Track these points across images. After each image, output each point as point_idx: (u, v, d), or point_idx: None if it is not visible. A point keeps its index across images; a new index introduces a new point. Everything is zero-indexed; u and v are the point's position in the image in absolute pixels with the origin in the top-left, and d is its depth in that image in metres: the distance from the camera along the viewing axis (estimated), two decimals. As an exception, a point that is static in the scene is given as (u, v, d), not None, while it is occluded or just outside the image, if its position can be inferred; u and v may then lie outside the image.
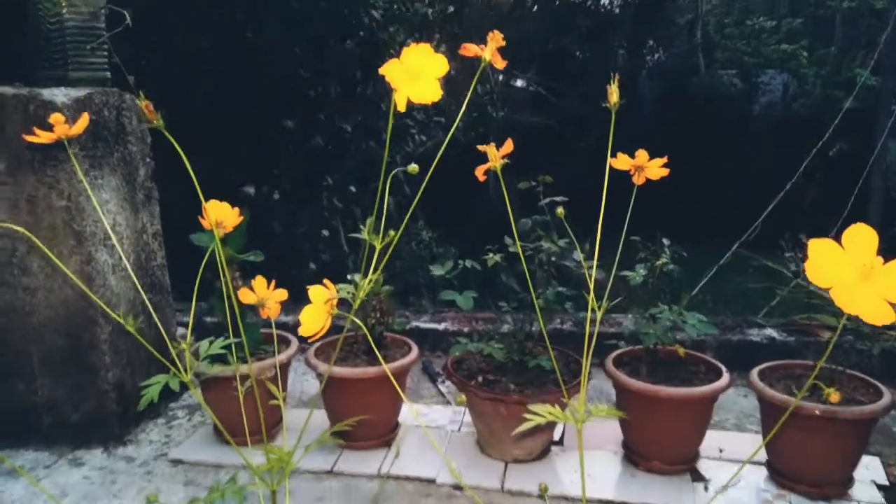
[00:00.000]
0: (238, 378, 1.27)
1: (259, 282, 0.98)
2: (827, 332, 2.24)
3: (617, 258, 1.16)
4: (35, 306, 1.80)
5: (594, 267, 1.19)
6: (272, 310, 0.98)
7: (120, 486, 1.69)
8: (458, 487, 1.66)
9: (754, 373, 1.69)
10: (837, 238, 0.55)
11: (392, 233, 0.82)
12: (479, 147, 0.76)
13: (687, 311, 1.71)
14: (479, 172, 0.78)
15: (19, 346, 1.81)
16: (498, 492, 1.64)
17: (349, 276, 1.85)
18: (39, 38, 1.77)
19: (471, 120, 5.95)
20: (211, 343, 0.89)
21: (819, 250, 0.57)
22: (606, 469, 1.72)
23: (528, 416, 0.73)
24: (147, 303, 1.82)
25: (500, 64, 0.69)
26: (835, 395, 0.52)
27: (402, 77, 0.57)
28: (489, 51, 0.69)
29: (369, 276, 0.79)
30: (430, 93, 0.57)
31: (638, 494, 1.61)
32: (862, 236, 0.56)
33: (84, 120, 0.81)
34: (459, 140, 5.78)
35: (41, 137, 0.80)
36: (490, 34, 0.68)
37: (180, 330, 2.26)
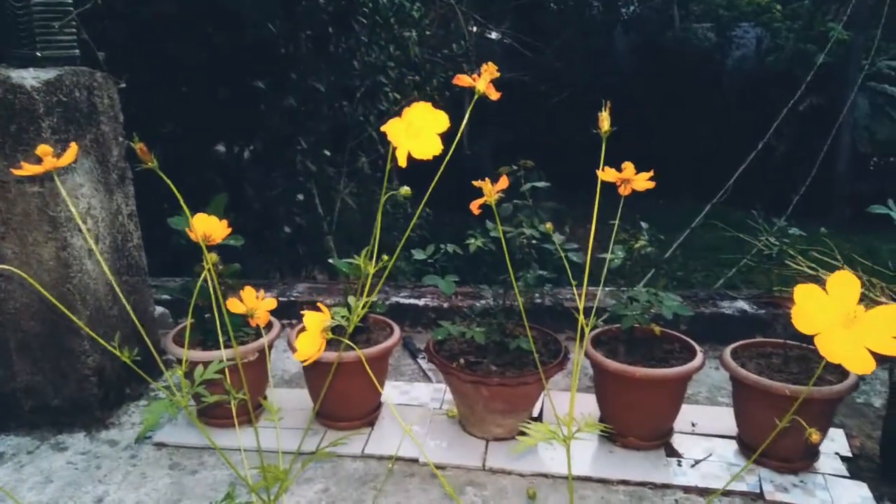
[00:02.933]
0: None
1: (248, 292, 0.98)
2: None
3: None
4: (10, 293, 1.77)
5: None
6: (261, 320, 0.98)
7: (105, 471, 1.70)
8: (440, 467, 1.70)
9: (727, 352, 1.74)
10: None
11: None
12: (475, 183, 0.76)
13: (662, 293, 1.74)
14: (474, 207, 0.78)
15: (-4, 331, 1.79)
16: (480, 470, 1.69)
17: (330, 260, 1.84)
18: (5, 17, 1.70)
19: (447, 78, 5.87)
20: (206, 368, 0.89)
21: (805, 296, 0.58)
22: (584, 445, 1.77)
23: (520, 438, 0.75)
24: (122, 286, 1.81)
25: (494, 95, 0.69)
26: (815, 436, 0.55)
27: (403, 134, 0.56)
28: (483, 82, 0.68)
29: (363, 300, 0.79)
30: (431, 148, 0.57)
31: (615, 471, 1.67)
32: (846, 283, 0.58)
33: (73, 150, 0.79)
34: (435, 100, 5.71)
35: (27, 171, 0.78)
36: (485, 66, 0.68)
37: (158, 309, 2.25)
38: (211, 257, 0.92)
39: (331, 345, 1.82)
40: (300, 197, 4.62)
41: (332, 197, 5.35)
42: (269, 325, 1.92)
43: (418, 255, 1.68)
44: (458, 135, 0.74)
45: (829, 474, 1.65)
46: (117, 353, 0.81)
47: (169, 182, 0.78)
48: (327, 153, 4.68)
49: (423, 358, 2.25)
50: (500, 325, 1.76)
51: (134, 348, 1.87)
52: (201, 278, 0.92)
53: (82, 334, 1.80)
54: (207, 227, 0.90)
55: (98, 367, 1.85)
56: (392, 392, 2.03)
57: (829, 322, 0.57)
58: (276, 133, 4.57)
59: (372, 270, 0.80)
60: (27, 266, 1.74)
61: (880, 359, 1.94)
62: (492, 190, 0.76)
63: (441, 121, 0.58)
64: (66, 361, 1.82)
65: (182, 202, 0.85)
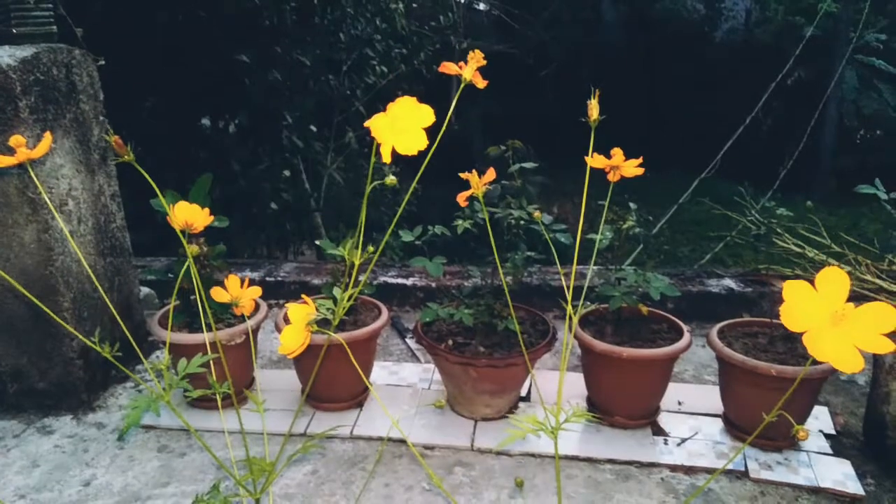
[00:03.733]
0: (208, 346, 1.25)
1: (232, 280, 0.97)
2: (781, 282, 2.32)
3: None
4: (-8, 276, 1.75)
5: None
6: (246, 308, 0.97)
7: (92, 455, 1.70)
8: (429, 447, 1.71)
9: (714, 332, 1.75)
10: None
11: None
12: (462, 175, 0.75)
13: (649, 273, 1.74)
14: (461, 199, 0.77)
15: (-22, 316, 1.77)
16: (468, 450, 1.70)
17: (317, 242, 1.83)
18: (-24, -7, 1.66)
19: (434, 52, 5.80)
20: (189, 362, 0.88)
21: (794, 293, 0.58)
22: (572, 425, 1.78)
23: (510, 430, 0.75)
24: (106, 268, 1.79)
25: (481, 84, 0.67)
26: (803, 433, 0.55)
27: (387, 130, 0.55)
28: (469, 70, 0.66)
29: (349, 291, 0.78)
30: (417, 143, 0.56)
31: (602, 450, 1.68)
32: (835, 280, 0.57)
33: (47, 140, 0.77)
34: (423, 74, 5.64)
35: (2, 163, 0.76)
36: (471, 53, 0.66)
37: (144, 290, 2.23)
38: (192, 249, 0.90)
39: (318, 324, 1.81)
40: (286, 173, 4.58)
41: (320, 172, 5.30)
42: (255, 307, 1.91)
43: (406, 236, 1.67)
44: (449, 113, 0.72)
45: (813, 452, 1.67)
46: (97, 347, 0.80)
47: (146, 175, 0.77)
48: (313, 129, 4.63)
49: (412, 338, 2.25)
50: (489, 307, 1.75)
51: (118, 331, 1.86)
52: (184, 266, 0.90)
53: (66, 317, 1.78)
54: (189, 216, 0.88)
55: (83, 349, 1.83)
56: (381, 373, 2.03)
57: (817, 320, 0.56)
58: (262, 108, 4.51)
59: (358, 262, 0.79)
60: (8, 249, 1.71)
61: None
62: (479, 183, 0.75)
63: (426, 115, 0.56)
64: (50, 344, 1.80)
65: (158, 192, 0.83)
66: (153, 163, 4.10)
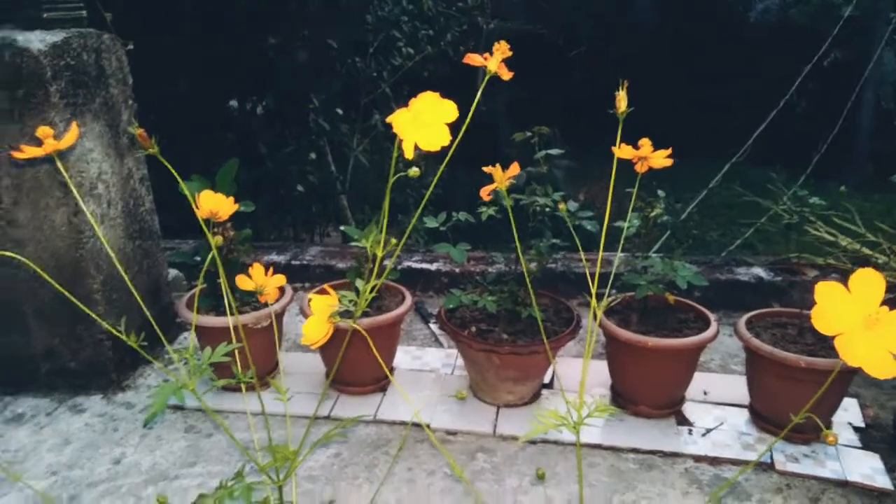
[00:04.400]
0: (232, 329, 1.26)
1: (257, 268, 0.97)
2: (813, 271, 2.28)
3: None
4: (25, 258, 1.78)
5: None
6: (271, 296, 0.97)
7: (121, 434, 1.73)
8: (451, 433, 1.72)
9: (742, 322, 1.72)
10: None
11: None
12: (485, 169, 0.74)
13: (677, 262, 1.72)
14: (485, 193, 0.76)
15: (11, 297, 1.80)
16: (490, 436, 1.70)
17: (342, 228, 1.83)
18: (8, -22, 1.67)
19: (461, 33, 5.74)
20: (213, 351, 0.89)
21: (826, 295, 0.56)
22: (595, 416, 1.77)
23: (532, 420, 0.75)
24: (135, 250, 1.81)
25: (507, 76, 0.66)
26: (832, 438, 0.54)
27: (410, 125, 0.54)
28: (494, 61, 0.65)
29: (371, 282, 0.78)
30: (440, 139, 0.55)
31: (625, 439, 1.67)
32: (869, 282, 0.56)
33: (74, 132, 0.77)
34: (449, 56, 5.60)
35: (28, 153, 0.76)
36: (496, 45, 0.65)
37: (172, 272, 2.25)
38: (216, 240, 0.90)
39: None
40: (312, 156, 4.59)
41: (346, 154, 5.31)
42: (281, 292, 1.92)
43: (430, 222, 1.66)
44: (476, 99, 0.71)
45: (842, 444, 1.65)
46: (123, 336, 0.81)
47: (169, 166, 0.77)
48: (339, 111, 4.62)
49: (435, 323, 2.25)
50: (512, 293, 1.75)
51: (147, 313, 1.89)
52: (209, 256, 0.91)
53: (96, 299, 1.81)
54: (214, 205, 0.88)
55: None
56: (404, 357, 2.03)
57: (849, 323, 0.55)
58: (288, 90, 4.52)
59: (381, 254, 0.79)
60: (40, 231, 1.74)
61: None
62: (503, 176, 0.74)
63: (449, 110, 0.56)
64: (81, 326, 1.83)
65: (181, 183, 0.84)
66: (181, 146, 4.14)
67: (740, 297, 2.25)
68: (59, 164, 0.81)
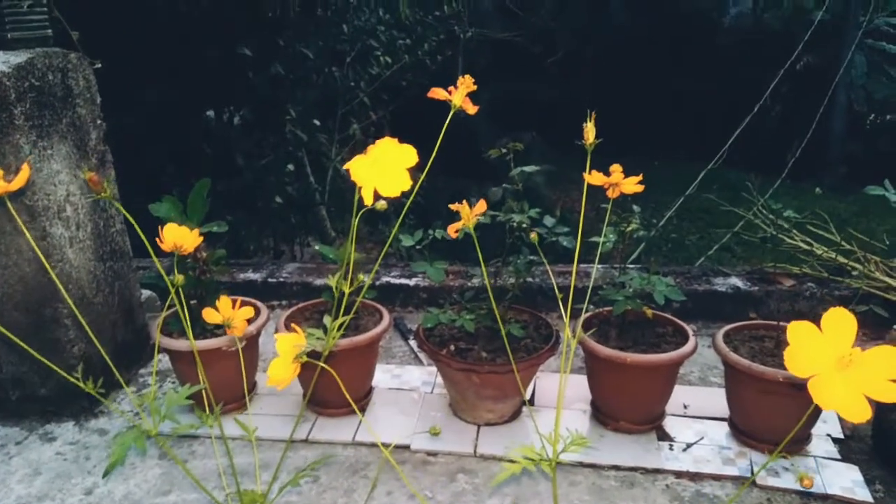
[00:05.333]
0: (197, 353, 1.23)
1: (224, 302, 0.95)
2: (789, 280, 2.29)
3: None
4: (-9, 283, 1.74)
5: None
6: (238, 329, 0.95)
7: (94, 462, 1.70)
8: (432, 454, 1.70)
9: (719, 336, 1.72)
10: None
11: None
12: (452, 206, 0.72)
13: (654, 276, 1.72)
14: (452, 231, 0.74)
15: (-23, 323, 1.76)
16: (471, 457, 1.68)
17: (316, 247, 1.81)
18: (-31, -2, 1.64)
19: (438, 42, 5.74)
20: (176, 392, 0.86)
21: (798, 335, 0.56)
22: (575, 428, 1.76)
23: (506, 465, 0.73)
24: (106, 272, 1.77)
25: (472, 110, 0.65)
26: (807, 481, 0.53)
27: (368, 172, 0.53)
28: (459, 95, 0.64)
29: (339, 320, 0.76)
30: (400, 184, 0.53)
31: (606, 456, 1.66)
32: (840, 322, 0.55)
33: (25, 172, 0.74)
34: (426, 64, 5.59)
35: (-23, 196, 0.74)
36: (461, 79, 0.63)
37: (145, 293, 2.21)
38: (178, 279, 0.88)
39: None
40: (290, 167, 4.55)
41: (324, 164, 5.28)
42: (256, 311, 1.89)
43: (406, 241, 1.65)
44: (444, 129, 0.70)
45: (821, 457, 1.65)
46: (80, 384, 0.78)
47: (126, 214, 0.74)
48: (317, 122, 4.59)
49: (415, 339, 2.23)
50: (491, 311, 1.73)
51: (119, 335, 1.86)
52: (175, 287, 0.89)
53: (66, 324, 1.77)
54: (178, 238, 0.86)
55: (84, 355, 1.83)
56: (383, 376, 2.01)
57: (822, 365, 0.54)
58: (265, 101, 4.48)
59: (348, 290, 0.77)
60: (6, 256, 1.70)
61: (874, 335, 1.92)
62: (469, 214, 0.72)
63: (409, 155, 0.54)
64: (51, 351, 1.79)
65: (162, 236, 0.81)
66: (156, 159, 4.09)
67: (718, 308, 2.25)
68: (10, 208, 0.78)
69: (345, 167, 0.52)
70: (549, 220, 1.71)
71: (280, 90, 4.46)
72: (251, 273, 2.47)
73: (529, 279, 2.28)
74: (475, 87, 0.64)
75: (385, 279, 2.42)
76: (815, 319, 1.62)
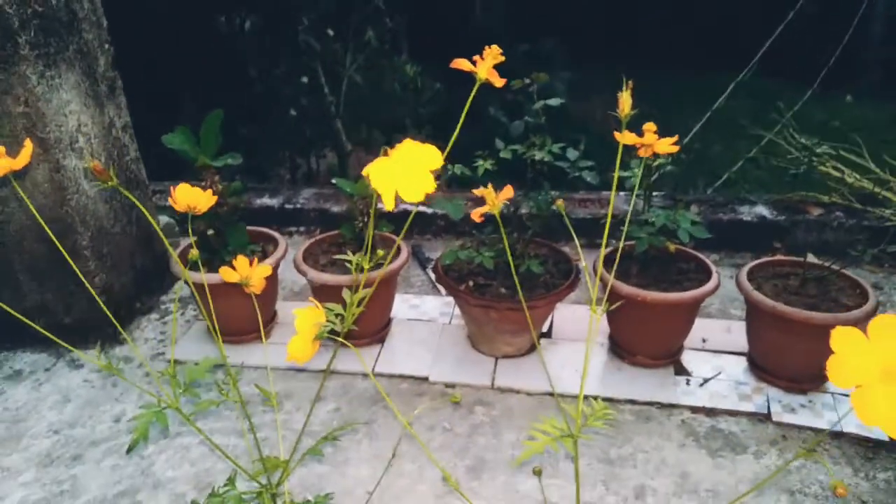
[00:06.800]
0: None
1: (241, 261, 0.93)
2: (817, 209, 2.23)
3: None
4: (9, 215, 1.73)
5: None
6: (257, 287, 0.94)
7: (121, 390, 1.74)
8: (450, 385, 1.72)
9: (743, 273, 1.69)
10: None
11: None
12: (475, 192, 0.69)
13: (679, 212, 1.67)
14: (476, 216, 0.71)
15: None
16: (488, 389, 1.71)
17: (333, 181, 1.77)
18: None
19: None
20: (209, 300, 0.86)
21: (843, 342, 0.53)
22: (593, 362, 1.78)
23: (528, 441, 0.73)
24: (122, 202, 1.76)
25: (499, 83, 0.60)
26: (841, 489, 0.51)
27: (389, 176, 0.49)
28: (484, 67, 0.59)
29: (359, 294, 0.74)
30: (423, 187, 0.49)
31: (623, 389, 1.68)
32: (889, 329, 0.52)
33: (28, 148, 0.71)
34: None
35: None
36: (487, 49, 0.58)
37: (163, 219, 2.21)
38: (193, 252, 0.86)
39: (335, 266, 1.78)
40: (304, 79, 4.43)
41: (339, 74, 5.14)
42: (275, 245, 1.88)
43: (425, 175, 1.60)
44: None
45: (838, 393, 1.65)
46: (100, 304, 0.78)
47: (134, 199, 0.71)
48: (331, 32, 4.43)
49: (433, 268, 2.23)
50: (511, 247, 1.71)
51: (139, 263, 1.86)
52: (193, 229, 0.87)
53: (86, 255, 1.78)
54: (192, 199, 0.83)
55: (105, 285, 1.84)
56: (401, 306, 2.02)
57: (867, 376, 0.51)
58: (278, 7, 4.32)
59: (367, 266, 0.75)
60: (22, 188, 1.68)
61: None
62: (495, 199, 0.68)
63: (433, 157, 0.50)
64: (73, 282, 1.80)
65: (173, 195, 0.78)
66: (166, 79, 3.99)
67: (743, 237, 2.21)
68: (15, 185, 0.75)
69: (363, 172, 0.48)
70: (571, 154, 1.65)
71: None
72: (267, 198, 2.45)
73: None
74: (503, 58, 0.59)
75: (403, 206, 2.39)
76: (842, 252, 1.57)
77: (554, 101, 1.54)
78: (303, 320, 0.69)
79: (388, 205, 0.49)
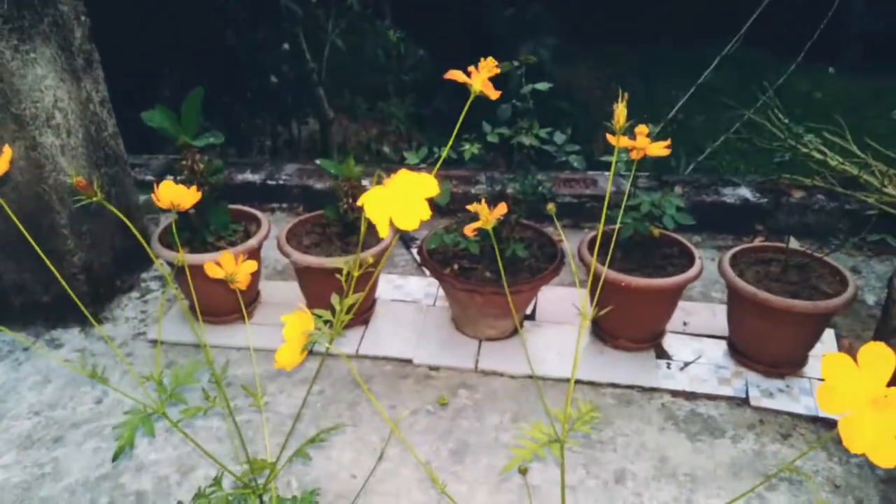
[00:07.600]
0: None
1: (226, 256, 0.92)
2: (799, 192, 2.24)
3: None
4: (-17, 193, 1.69)
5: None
6: (242, 282, 0.92)
7: (101, 370, 1.72)
8: (434, 368, 1.73)
9: (726, 259, 1.71)
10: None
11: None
12: (469, 207, 0.68)
13: (665, 196, 1.67)
14: (469, 231, 0.70)
15: (-26, 233, 1.73)
16: (472, 371, 1.72)
17: (317, 161, 1.74)
18: None
19: None
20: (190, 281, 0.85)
21: (833, 370, 0.53)
22: (574, 345, 1.79)
23: (514, 450, 0.73)
24: (101, 178, 1.72)
25: (494, 95, 0.58)
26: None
27: (385, 206, 0.48)
28: (479, 79, 0.57)
29: (348, 298, 0.73)
30: (419, 215, 0.48)
31: (605, 373, 1.69)
32: (878, 358, 0.52)
33: (7, 154, 0.69)
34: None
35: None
36: (483, 60, 0.57)
37: (143, 197, 2.17)
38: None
39: (319, 247, 1.77)
40: (286, 46, 4.35)
41: (321, 40, 5.04)
42: (257, 222, 1.86)
43: (411, 158, 1.59)
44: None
45: (816, 378, 1.68)
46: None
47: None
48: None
49: (417, 247, 2.22)
50: (494, 230, 1.70)
51: (119, 241, 1.83)
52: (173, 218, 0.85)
53: (64, 234, 1.74)
54: (175, 196, 0.81)
55: (85, 264, 1.81)
56: (385, 287, 2.01)
57: (855, 403, 0.52)
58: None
59: (356, 273, 0.74)
60: (-3, 167, 1.64)
61: (878, 251, 1.91)
62: (489, 215, 0.67)
63: (430, 186, 0.49)
64: (51, 261, 1.77)
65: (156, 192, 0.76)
66: (144, 47, 3.88)
67: (725, 219, 2.22)
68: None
69: (358, 202, 0.47)
70: (559, 138, 1.64)
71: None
72: (249, 174, 2.41)
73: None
74: (498, 70, 0.58)
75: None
76: (823, 236, 1.58)
77: (542, 86, 1.52)
78: (291, 328, 0.68)
79: (382, 233, 0.48)
